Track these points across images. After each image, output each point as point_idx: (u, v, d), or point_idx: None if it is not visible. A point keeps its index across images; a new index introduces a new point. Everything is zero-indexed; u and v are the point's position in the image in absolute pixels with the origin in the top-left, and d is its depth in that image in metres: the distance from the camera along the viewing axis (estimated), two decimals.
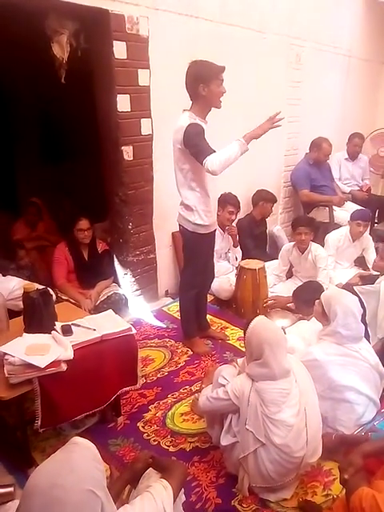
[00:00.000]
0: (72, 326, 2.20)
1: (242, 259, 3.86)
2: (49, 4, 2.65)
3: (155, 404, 2.58)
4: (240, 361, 2.18)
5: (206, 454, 2.20)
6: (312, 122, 5.09)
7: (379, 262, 3.37)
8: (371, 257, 3.98)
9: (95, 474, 1.04)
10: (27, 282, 2.81)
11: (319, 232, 4.29)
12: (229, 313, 3.70)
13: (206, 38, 3.57)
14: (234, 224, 3.92)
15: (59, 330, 2.15)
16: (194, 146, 2.49)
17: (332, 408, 2.19)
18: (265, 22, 4.15)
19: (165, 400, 2.62)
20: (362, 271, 3.94)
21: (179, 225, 2.89)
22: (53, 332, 2.13)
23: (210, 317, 3.48)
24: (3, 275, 3.06)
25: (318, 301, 2.42)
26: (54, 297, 2.55)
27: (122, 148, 3.20)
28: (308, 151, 4.89)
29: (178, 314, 3.25)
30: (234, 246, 3.96)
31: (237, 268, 3.75)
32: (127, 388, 2.35)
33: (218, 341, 3.24)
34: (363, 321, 2.43)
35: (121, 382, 2.29)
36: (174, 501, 1.33)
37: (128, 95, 3.13)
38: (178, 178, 2.72)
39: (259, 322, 1.99)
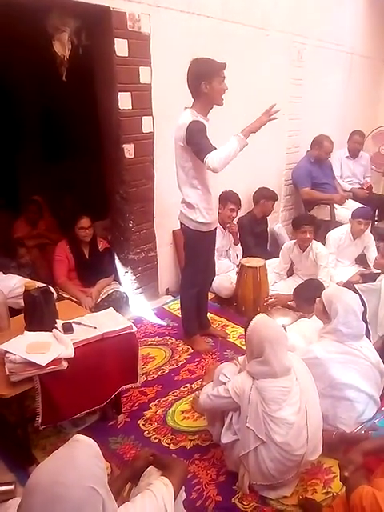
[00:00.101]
0: (73, 324, 2.20)
1: (243, 257, 3.86)
2: (50, 2, 2.65)
3: (156, 402, 2.58)
4: (241, 359, 2.18)
5: (207, 452, 2.21)
6: (313, 119, 5.08)
7: (380, 260, 3.37)
8: (372, 255, 3.98)
9: (97, 471, 1.05)
10: (28, 280, 2.81)
11: (320, 230, 4.28)
12: (229, 311, 3.70)
13: (208, 35, 3.57)
14: (234, 222, 3.91)
15: (60, 328, 2.16)
16: (196, 144, 2.49)
17: (332, 406, 2.19)
18: (267, 19, 4.14)
19: (165, 398, 2.62)
20: (363, 269, 3.94)
21: (180, 223, 2.89)
22: (54, 330, 2.13)
23: (211, 315, 3.48)
24: (4, 273, 3.07)
25: (318, 299, 2.42)
26: (55, 295, 2.55)
27: (123, 146, 3.20)
28: (309, 149, 4.88)
29: (179, 311, 3.25)
30: (235, 244, 3.96)
31: (238, 266, 3.75)
32: (128, 386, 2.36)
33: (218, 339, 3.24)
34: (364, 319, 2.43)
35: (121, 379, 2.30)
36: (175, 498, 1.33)
37: (129, 93, 3.12)
38: (180, 175, 2.72)
39: (260, 319, 1.99)
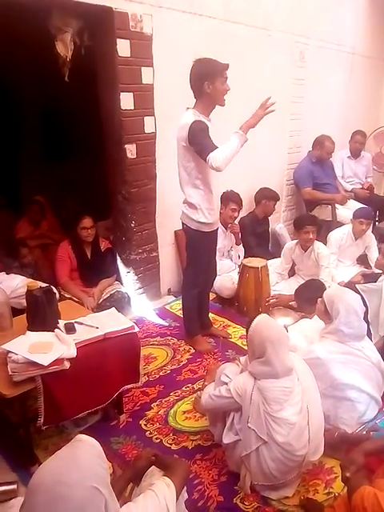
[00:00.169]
0: (75, 324, 2.21)
1: (245, 257, 3.86)
2: (53, 2, 2.66)
3: (157, 402, 2.59)
4: (243, 359, 2.18)
5: (208, 452, 2.21)
6: (315, 119, 5.08)
7: (382, 260, 3.37)
8: (374, 255, 3.97)
9: (99, 471, 1.05)
10: (31, 280, 2.82)
11: (322, 230, 4.28)
12: (231, 311, 3.71)
13: (210, 35, 3.57)
14: (236, 222, 3.91)
15: (62, 328, 2.16)
16: (199, 144, 2.49)
17: (334, 406, 2.19)
18: (269, 19, 4.14)
19: (167, 398, 2.62)
20: (365, 269, 3.94)
21: (182, 223, 2.89)
22: (56, 330, 2.14)
23: (213, 315, 3.48)
24: (7, 273, 3.07)
25: (320, 299, 2.42)
26: (57, 295, 2.56)
27: (126, 146, 3.20)
28: (311, 149, 4.88)
29: (181, 312, 3.26)
30: (237, 244, 3.96)
31: (239, 266, 3.75)
32: (129, 386, 2.36)
33: (220, 339, 3.25)
34: (365, 319, 2.43)
35: (123, 379, 2.30)
36: (177, 498, 1.34)
37: (131, 93, 3.13)
38: (182, 175, 2.72)
39: (261, 320, 2.00)
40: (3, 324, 2.29)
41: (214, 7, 3.57)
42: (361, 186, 5.33)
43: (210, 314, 3.39)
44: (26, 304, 2.25)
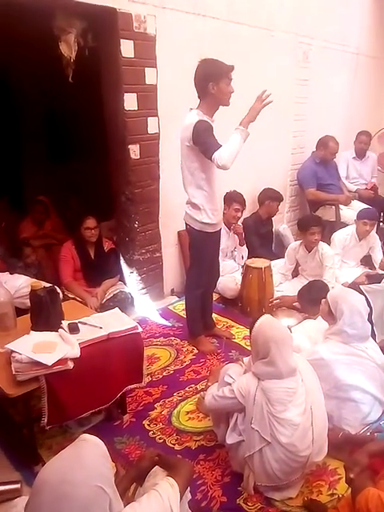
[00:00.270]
0: (79, 324, 2.21)
1: (248, 258, 3.86)
2: (56, 3, 2.66)
3: (161, 402, 2.59)
4: (246, 360, 2.18)
5: (212, 453, 2.21)
6: (319, 120, 5.07)
7: None
8: (378, 256, 3.97)
9: (104, 470, 1.05)
10: (34, 280, 2.83)
11: (325, 231, 4.27)
12: (234, 311, 3.70)
13: (213, 36, 3.57)
14: (239, 222, 3.91)
15: (66, 328, 2.17)
16: (203, 143, 2.50)
17: (338, 407, 2.19)
18: (272, 20, 4.14)
19: (170, 398, 2.62)
20: (369, 270, 3.92)
21: (186, 224, 2.89)
22: (60, 330, 2.14)
23: (216, 315, 3.48)
24: (10, 273, 3.08)
25: (324, 300, 2.41)
26: (61, 295, 2.56)
27: (129, 147, 3.21)
28: (314, 150, 4.87)
29: (184, 312, 3.25)
30: (240, 245, 3.96)
31: (243, 267, 3.74)
32: (133, 386, 2.37)
33: (223, 339, 3.24)
34: (369, 320, 2.42)
35: (127, 379, 2.30)
36: (181, 499, 1.34)
37: (135, 94, 3.13)
38: (186, 176, 2.72)
39: (265, 320, 1.99)
40: (7, 324, 2.30)
41: (217, 8, 3.58)
42: (365, 187, 5.31)
43: (214, 314, 3.38)
44: (29, 304, 2.26)
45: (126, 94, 3.07)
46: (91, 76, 3.20)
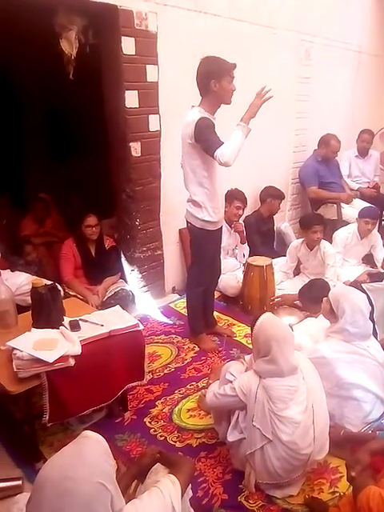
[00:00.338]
0: (80, 322, 2.21)
1: (250, 256, 3.85)
2: (58, 0, 2.65)
3: (162, 400, 2.59)
4: (247, 358, 2.18)
5: (213, 450, 2.21)
6: (321, 118, 5.06)
7: None
8: (380, 254, 3.96)
9: (106, 467, 1.05)
10: (35, 277, 2.83)
11: (327, 229, 4.26)
12: (236, 309, 3.70)
13: (215, 33, 3.56)
14: (241, 220, 3.91)
15: (67, 326, 2.16)
16: (205, 141, 2.49)
17: (339, 405, 2.18)
18: (274, 17, 4.13)
19: (171, 396, 2.62)
20: (370, 269, 3.92)
21: (187, 221, 2.89)
22: (61, 327, 2.14)
23: (217, 313, 3.48)
24: (11, 271, 3.08)
25: (326, 298, 2.41)
26: (62, 292, 2.56)
27: (130, 144, 3.20)
28: (316, 148, 4.86)
29: (185, 310, 3.25)
30: (242, 243, 3.95)
31: (244, 265, 3.74)
32: (134, 383, 2.36)
33: (224, 337, 3.24)
34: (371, 318, 2.41)
35: (128, 377, 2.30)
36: (182, 496, 1.34)
37: (136, 91, 3.12)
38: (187, 173, 2.72)
39: (266, 318, 1.99)
40: (8, 321, 2.30)
41: (218, 5, 3.56)
42: (367, 185, 5.30)
43: (215, 312, 3.38)
44: (30, 301, 2.26)
45: (127, 91, 3.06)
46: (92, 73, 3.19)
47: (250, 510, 1.90)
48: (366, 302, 2.34)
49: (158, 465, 1.54)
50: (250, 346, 2.35)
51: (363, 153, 5.28)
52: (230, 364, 2.17)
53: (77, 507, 0.97)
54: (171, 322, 3.47)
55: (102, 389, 2.17)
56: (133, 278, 3.57)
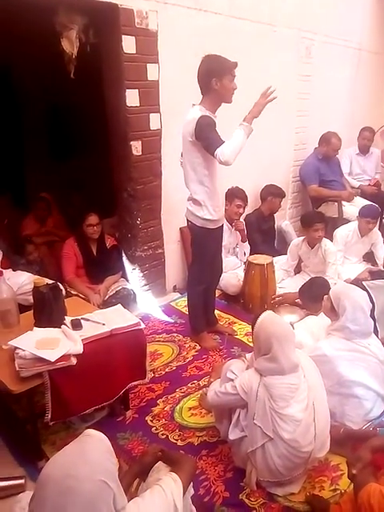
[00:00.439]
0: (81, 321, 2.21)
1: (250, 254, 3.86)
2: None
3: (163, 398, 2.60)
4: (249, 356, 2.18)
5: (214, 448, 2.22)
6: (321, 116, 5.05)
7: None
8: (380, 252, 3.96)
9: (108, 465, 1.06)
10: (37, 276, 2.83)
11: (328, 227, 4.26)
12: (237, 308, 3.71)
13: (216, 31, 3.55)
14: (241, 219, 3.91)
15: (69, 325, 2.17)
16: (206, 139, 2.49)
17: (340, 403, 2.19)
18: (274, 15, 4.12)
19: (173, 394, 2.63)
20: (371, 266, 3.92)
21: (187, 220, 2.89)
22: (63, 326, 2.14)
23: (218, 312, 3.48)
24: (13, 270, 3.09)
25: (326, 296, 2.41)
26: (64, 291, 2.57)
27: (131, 143, 3.20)
28: (317, 146, 4.86)
29: (186, 308, 3.26)
30: (242, 241, 3.95)
31: (245, 263, 3.74)
32: (136, 382, 2.37)
33: (225, 336, 3.25)
34: (372, 316, 2.42)
35: (129, 376, 2.31)
36: (184, 494, 1.34)
37: (137, 90, 3.12)
38: (188, 172, 2.72)
39: (267, 316, 2.00)
40: (10, 320, 2.31)
41: (219, 3, 3.56)
42: (368, 183, 5.29)
43: (216, 310, 3.39)
44: (32, 300, 2.27)
45: (127, 90, 3.06)
46: (93, 72, 3.19)
47: (251, 507, 1.91)
48: (366, 299, 2.34)
49: (159, 463, 1.55)
50: (251, 345, 2.35)
51: (364, 150, 5.28)
52: (231, 362, 2.18)
53: (79, 505, 0.98)
54: (172, 321, 3.47)
55: (104, 387, 2.17)
56: (134, 277, 3.58)
